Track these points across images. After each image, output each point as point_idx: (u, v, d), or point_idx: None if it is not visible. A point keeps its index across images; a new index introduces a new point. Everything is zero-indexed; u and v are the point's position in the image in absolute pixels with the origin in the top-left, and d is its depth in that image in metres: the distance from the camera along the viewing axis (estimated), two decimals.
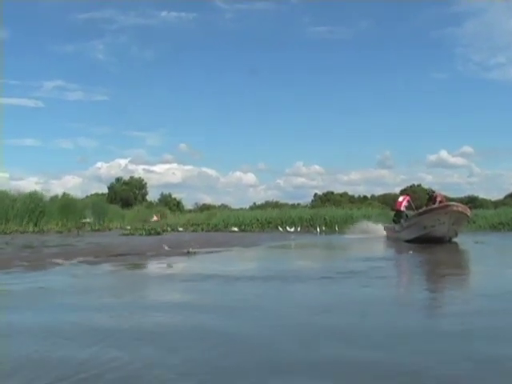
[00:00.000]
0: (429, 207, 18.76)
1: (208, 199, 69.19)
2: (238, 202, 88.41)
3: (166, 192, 67.89)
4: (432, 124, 65.19)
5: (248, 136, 71.19)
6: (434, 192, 19.91)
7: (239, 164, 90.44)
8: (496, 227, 31.61)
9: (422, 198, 26.91)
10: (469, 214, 19.01)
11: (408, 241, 18.62)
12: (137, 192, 71.91)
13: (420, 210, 19.67)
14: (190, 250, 13.46)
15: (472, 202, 49.69)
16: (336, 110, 66.94)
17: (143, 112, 71.99)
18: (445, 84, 62.88)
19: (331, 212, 36.95)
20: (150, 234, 26.24)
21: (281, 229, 33.80)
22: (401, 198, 23.17)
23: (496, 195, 56.73)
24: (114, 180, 70.17)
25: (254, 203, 58.34)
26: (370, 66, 67.31)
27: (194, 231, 34.26)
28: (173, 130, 72.62)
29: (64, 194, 52.24)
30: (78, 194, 56.80)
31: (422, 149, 67.84)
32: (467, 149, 61.02)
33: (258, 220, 36.57)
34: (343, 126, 67.27)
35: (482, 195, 54.37)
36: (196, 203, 65.14)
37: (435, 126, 66.75)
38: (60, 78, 76.68)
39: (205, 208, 57.81)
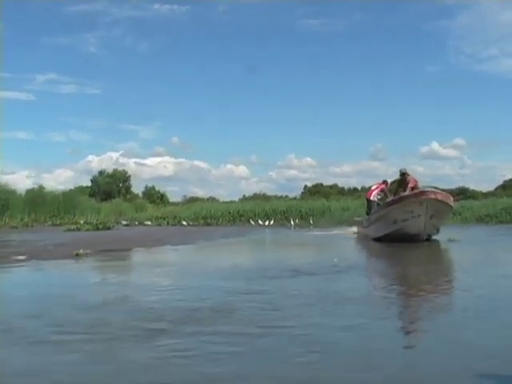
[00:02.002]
0: (398, 195, 14.40)
1: (200, 192, 67.49)
2: (230, 194, 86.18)
3: (157, 185, 65.94)
4: (424, 116, 63.36)
5: (240, 129, 69.25)
6: (406, 173, 14.93)
7: (231, 157, 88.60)
8: (483, 219, 28.55)
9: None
10: (452, 203, 14.33)
11: (376, 239, 14.58)
12: (120, 185, 69.39)
13: (388, 200, 15.08)
14: (81, 251, 10.53)
15: (463, 193, 48.16)
16: (328, 103, 65.02)
17: (136, 105, 69.36)
18: (437, 76, 60.90)
19: (307, 204, 34.01)
20: (97, 228, 23.37)
21: (253, 222, 31.06)
22: (374, 186, 18.18)
23: (487, 187, 54.89)
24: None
25: (244, 195, 57.09)
26: (363, 58, 65.20)
27: (158, 225, 31.68)
28: (165, 123, 70.60)
29: (40, 187, 49.82)
30: (70, 187, 55.77)
31: (414, 141, 66.55)
32: (459, 141, 60.45)
33: (229, 213, 33.67)
34: (335, 118, 65.33)
35: (473, 187, 53.14)
36: (184, 196, 63.02)
37: (427, 118, 64.77)
38: (53, 71, 74.37)
39: (193, 201, 55.75)
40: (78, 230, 23.16)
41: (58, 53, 63.09)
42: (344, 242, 16.33)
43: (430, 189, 14.01)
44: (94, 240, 15.67)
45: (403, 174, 14.91)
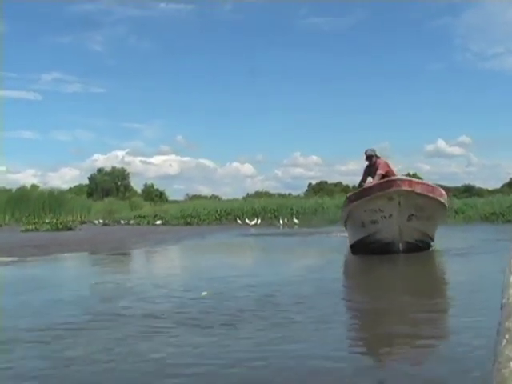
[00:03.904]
0: (362, 187, 10.10)
1: (206, 190, 66.29)
2: (235, 192, 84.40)
3: (163, 183, 64.71)
4: (430, 114, 62.65)
5: (245, 127, 68.18)
6: (375, 155, 10.15)
7: (236, 155, 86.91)
8: (488, 218, 25.62)
9: None
10: (442, 199, 9.88)
11: (352, 246, 10.46)
12: (119, 183, 67.46)
13: (349, 194, 10.86)
14: None
15: (468, 190, 46.26)
16: (334, 101, 64.15)
17: (141, 104, 69.67)
18: (443, 74, 60.19)
19: (300, 202, 31.30)
20: (57, 229, 20.85)
21: (239, 221, 28.56)
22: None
23: (494, 185, 52.37)
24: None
25: (248, 194, 55.56)
26: (368, 56, 64.17)
27: (137, 224, 29.27)
28: (170, 121, 69.93)
29: (32, 185, 47.89)
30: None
31: (420, 139, 64.77)
32: (465, 138, 59.25)
33: (216, 211, 31.05)
34: (341, 116, 63.98)
35: (479, 185, 50.90)
36: (187, 194, 61.45)
37: (433, 115, 63.58)
38: (58, 70, 74.94)
39: (195, 199, 53.95)
40: (37, 230, 20.77)
41: (63, 52, 62.72)
42: (312, 249, 12.62)
43: (403, 177, 9.77)
44: (32, 242, 13.18)
45: (370, 157, 10.15)
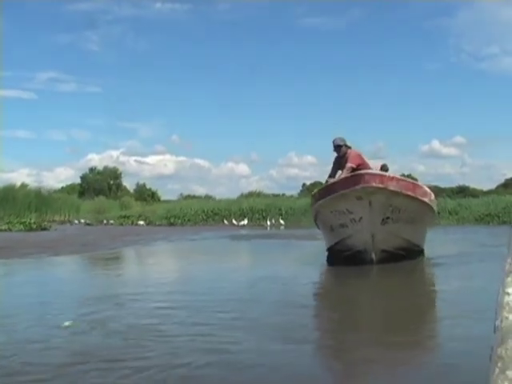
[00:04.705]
0: (326, 183, 8.49)
1: (200, 190, 65.56)
2: (230, 192, 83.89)
3: (158, 183, 64.08)
4: (424, 114, 61.38)
5: (240, 127, 66.81)
6: (345, 145, 8.39)
7: (231, 155, 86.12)
8: (483, 219, 24.55)
9: None
10: (426, 198, 8.28)
11: (329, 253, 8.86)
12: (111, 182, 66.41)
13: (314, 191, 9.29)
14: None
15: (463, 191, 45.24)
16: (329, 101, 62.90)
17: (137, 103, 67.89)
18: (437, 74, 58.72)
19: (290, 202, 30.22)
20: (31, 229, 19.74)
21: (226, 222, 27.54)
22: None
23: (488, 185, 51.71)
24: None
25: (242, 193, 54.91)
26: (363, 56, 62.99)
27: (121, 224, 28.24)
28: (166, 121, 69.28)
29: (22, 184, 46.87)
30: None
31: (415, 139, 63.89)
32: (459, 139, 58.53)
33: (203, 212, 29.96)
34: (336, 116, 62.14)
35: (474, 185, 49.51)
36: (181, 194, 60.88)
37: (428, 116, 62.61)
38: (53, 69, 74.78)
39: (189, 198, 53.17)
40: (10, 230, 19.67)
41: (59, 51, 61.54)
42: (283, 255, 10.80)
43: (373, 170, 7.98)
44: None
45: (338, 148, 8.36)
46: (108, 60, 65.00)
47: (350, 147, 8.41)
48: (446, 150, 62.67)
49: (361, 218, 7.55)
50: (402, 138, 64.42)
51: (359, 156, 8.34)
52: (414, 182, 8.75)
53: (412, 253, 8.45)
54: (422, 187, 8.40)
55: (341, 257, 8.13)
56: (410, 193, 7.77)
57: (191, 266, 9.34)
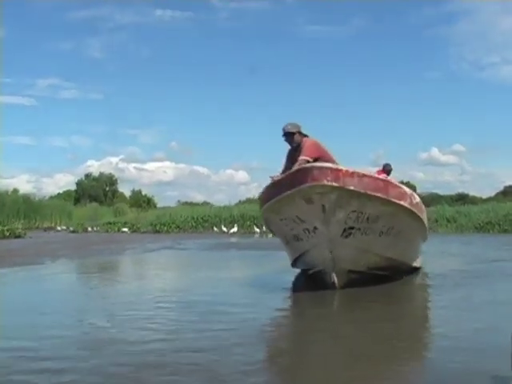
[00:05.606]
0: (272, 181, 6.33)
1: (199, 197, 64.73)
2: (229, 199, 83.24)
3: (157, 190, 63.62)
4: (424, 122, 61.30)
5: (240, 134, 67.20)
6: (298, 132, 6.40)
7: (231, 162, 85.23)
8: (483, 228, 23.27)
9: None
10: (405, 202, 6.12)
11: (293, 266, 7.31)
12: (107, 188, 65.42)
13: (261, 191, 7.31)
14: None
15: (462, 198, 44.20)
16: (329, 109, 63.04)
17: (137, 110, 69.09)
18: (438, 83, 59.31)
19: None
20: (4, 236, 18.50)
21: (216, 229, 26.36)
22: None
23: (487, 193, 50.86)
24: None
25: (240, 200, 54.17)
26: (364, 64, 63.61)
27: (106, 231, 27.11)
28: (166, 127, 69.54)
29: (13, 190, 45.85)
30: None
31: (414, 147, 63.07)
32: (459, 147, 58.93)
33: (193, 218, 28.77)
34: (336, 124, 62.24)
35: (473, 193, 49.49)
36: (178, 200, 60.34)
37: (427, 124, 62.44)
38: (55, 76, 74.94)
39: (187, 205, 52.32)
40: None
41: (61, 58, 62.00)
42: (254, 270, 8.90)
43: (326, 163, 5.68)
44: None
45: (288, 136, 6.43)
46: (109, 67, 65.49)
47: (306, 135, 6.39)
48: (444, 158, 62.39)
49: (315, 227, 5.70)
50: (401, 146, 63.92)
51: (316, 145, 6.24)
52: (386, 178, 6.69)
53: (398, 272, 6.69)
54: (397, 187, 6.27)
55: (306, 275, 6.59)
56: (379, 194, 5.72)
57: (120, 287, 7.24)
